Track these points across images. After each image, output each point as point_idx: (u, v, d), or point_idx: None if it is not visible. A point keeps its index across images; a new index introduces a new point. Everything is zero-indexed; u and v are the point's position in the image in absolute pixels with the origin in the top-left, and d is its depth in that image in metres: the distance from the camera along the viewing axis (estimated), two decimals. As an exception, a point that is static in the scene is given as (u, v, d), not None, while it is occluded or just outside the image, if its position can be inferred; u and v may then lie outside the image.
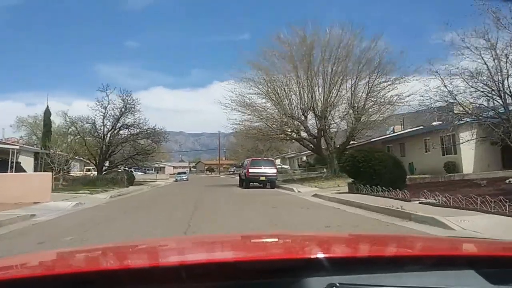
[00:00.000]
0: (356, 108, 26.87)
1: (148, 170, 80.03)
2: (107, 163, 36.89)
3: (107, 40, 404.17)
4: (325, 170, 47.79)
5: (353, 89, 27.30)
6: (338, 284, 1.02)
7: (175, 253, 1.66)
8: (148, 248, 1.88)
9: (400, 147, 28.07)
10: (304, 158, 64.49)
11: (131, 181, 32.60)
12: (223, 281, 1.08)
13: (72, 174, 36.09)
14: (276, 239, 2.11)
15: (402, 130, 35.98)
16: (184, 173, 55.48)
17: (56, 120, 38.98)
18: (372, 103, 26.57)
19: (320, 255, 1.19)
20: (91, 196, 20.73)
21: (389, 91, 26.48)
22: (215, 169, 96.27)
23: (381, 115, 26.71)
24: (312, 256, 1.22)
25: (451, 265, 1.16)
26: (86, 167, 45.44)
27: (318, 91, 27.09)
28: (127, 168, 53.03)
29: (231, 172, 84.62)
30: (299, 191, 20.11)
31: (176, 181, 51.44)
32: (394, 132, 36.77)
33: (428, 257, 1.25)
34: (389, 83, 26.47)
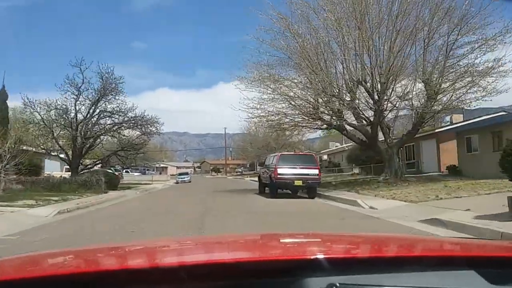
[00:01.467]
0: (429, 81, 18.38)
1: (147, 170, 71.82)
2: (87, 161, 28.91)
3: (114, 40, 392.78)
4: (356, 171, 39.51)
5: (424, 54, 18.84)
6: (338, 284, 1.00)
7: (176, 254, 1.62)
8: (148, 248, 1.81)
9: (493, 139, 19.39)
10: (325, 157, 55.95)
11: (113, 184, 24.46)
12: (223, 282, 1.06)
13: (48, 175, 28.12)
14: (276, 240, 2.06)
15: (464, 121, 27.25)
16: (186, 173, 47.19)
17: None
18: (460, 72, 18.02)
19: (320, 256, 1.18)
20: (26, 211, 12.82)
21: (480, 57, 18.00)
22: (221, 170, 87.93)
23: (468, 91, 18.10)
24: (312, 257, 1.20)
25: (451, 265, 1.14)
26: (65, 166, 37.68)
27: (374, 56, 18.59)
28: (119, 167, 45.28)
29: (239, 173, 76.38)
30: (371, 207, 11.66)
31: (177, 183, 43.46)
32: (451, 123, 28.12)
33: (428, 257, 1.25)
34: (479, 43, 17.97)
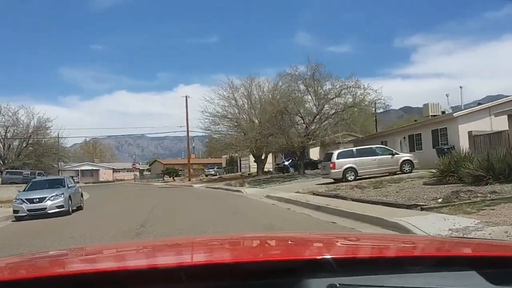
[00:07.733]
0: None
1: (43, 174, 37.48)
2: None
3: (72, 43, 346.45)
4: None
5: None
6: (338, 285, 1.00)
7: (175, 254, 1.59)
8: (148, 248, 1.78)
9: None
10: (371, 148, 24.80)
11: None
12: (223, 282, 1.06)
13: None
14: (276, 240, 1.99)
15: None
16: (58, 186, 13.41)
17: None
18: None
19: (321, 256, 1.18)
20: None
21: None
22: (180, 172, 54.27)
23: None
24: (313, 257, 1.20)
25: (452, 265, 1.12)
26: None
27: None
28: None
29: (215, 176, 43.84)
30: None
31: (16, 218, 10.98)
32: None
33: (428, 257, 1.23)
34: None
